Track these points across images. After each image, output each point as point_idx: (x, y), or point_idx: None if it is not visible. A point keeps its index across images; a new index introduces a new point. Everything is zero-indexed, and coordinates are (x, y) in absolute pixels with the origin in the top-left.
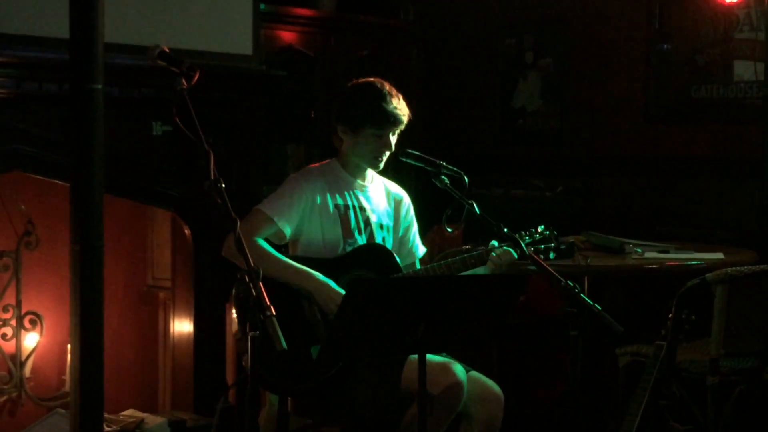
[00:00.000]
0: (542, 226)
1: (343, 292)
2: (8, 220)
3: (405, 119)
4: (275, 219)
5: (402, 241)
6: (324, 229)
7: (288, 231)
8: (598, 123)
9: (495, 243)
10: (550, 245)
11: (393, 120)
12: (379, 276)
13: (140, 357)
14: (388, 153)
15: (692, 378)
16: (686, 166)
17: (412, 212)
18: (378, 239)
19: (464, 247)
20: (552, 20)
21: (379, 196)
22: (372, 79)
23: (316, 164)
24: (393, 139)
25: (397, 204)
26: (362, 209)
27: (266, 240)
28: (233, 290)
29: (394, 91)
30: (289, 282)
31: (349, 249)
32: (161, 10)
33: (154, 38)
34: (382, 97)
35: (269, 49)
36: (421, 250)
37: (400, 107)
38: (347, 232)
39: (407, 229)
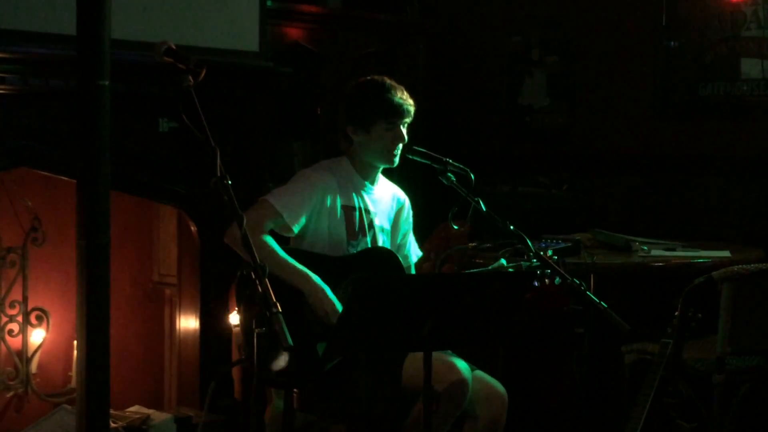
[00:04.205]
0: (550, 251)
1: (335, 299)
2: (15, 216)
3: (413, 110)
4: (284, 214)
5: (399, 245)
6: (330, 229)
7: (296, 228)
8: (604, 120)
9: (503, 262)
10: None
11: (403, 111)
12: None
13: (146, 353)
14: (401, 146)
15: (698, 376)
16: (693, 163)
17: (411, 217)
18: (380, 242)
19: (470, 244)
20: (558, 17)
21: (384, 198)
22: (370, 76)
23: (327, 161)
24: (404, 130)
25: (399, 208)
26: (367, 212)
27: (271, 232)
28: (236, 284)
29: (396, 84)
30: (285, 280)
31: (352, 250)
32: (168, 6)
33: (161, 34)
34: (387, 91)
35: (276, 45)
36: (415, 254)
37: (406, 98)
38: (352, 234)
39: (405, 234)
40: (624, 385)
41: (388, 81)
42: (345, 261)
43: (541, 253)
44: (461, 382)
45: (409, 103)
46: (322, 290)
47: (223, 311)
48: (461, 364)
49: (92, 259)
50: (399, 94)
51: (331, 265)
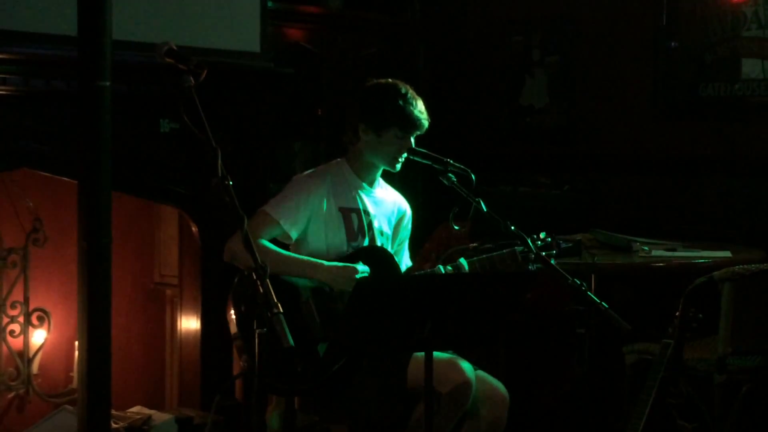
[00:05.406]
0: (543, 233)
1: (351, 264)
2: (16, 216)
3: (427, 124)
4: (281, 222)
5: (393, 252)
6: (328, 233)
7: (294, 233)
8: (605, 120)
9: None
10: (551, 252)
11: (419, 125)
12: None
13: (147, 354)
14: (406, 155)
15: (699, 376)
16: (693, 163)
17: (410, 226)
18: (378, 244)
19: (471, 245)
20: (559, 17)
21: (385, 202)
22: (391, 80)
23: (323, 165)
24: (413, 141)
25: (400, 216)
26: (366, 213)
27: (272, 240)
28: (233, 289)
29: (416, 94)
30: (296, 275)
31: (352, 251)
32: (169, 6)
33: (162, 35)
34: (408, 101)
35: (276, 46)
36: (405, 264)
37: (424, 111)
38: (351, 236)
39: (402, 242)
40: (625, 385)
41: (410, 90)
42: (341, 261)
43: (543, 254)
44: (465, 383)
45: (425, 117)
46: (336, 266)
47: (224, 311)
48: (465, 365)
49: (93, 260)
50: (419, 106)
51: None
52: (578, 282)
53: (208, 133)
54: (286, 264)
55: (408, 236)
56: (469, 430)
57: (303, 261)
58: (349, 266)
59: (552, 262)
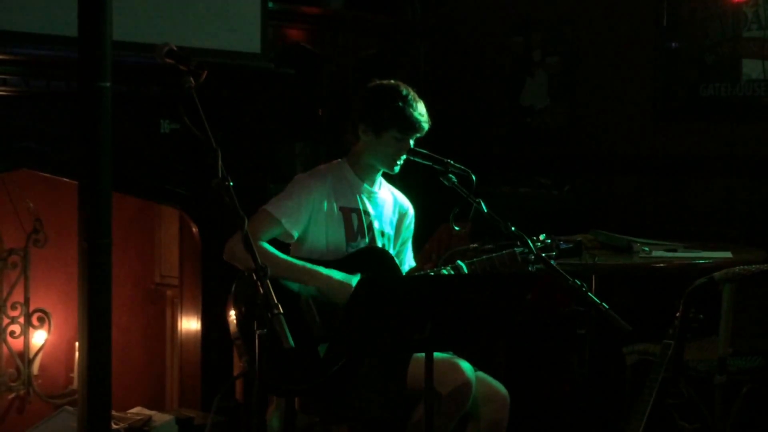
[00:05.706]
0: (543, 235)
1: (349, 278)
2: (16, 217)
3: (427, 126)
4: (282, 220)
5: (397, 253)
6: (328, 233)
7: (296, 232)
8: (605, 121)
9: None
10: (551, 254)
11: (418, 127)
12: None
13: (148, 355)
14: (404, 157)
15: (700, 377)
16: (694, 164)
17: (413, 226)
18: (378, 245)
19: (471, 245)
20: (560, 18)
21: (386, 203)
22: (394, 81)
23: (324, 165)
24: (412, 143)
25: (402, 216)
26: (367, 214)
27: (272, 241)
28: (233, 290)
29: (417, 97)
30: (294, 280)
31: (351, 252)
32: (170, 7)
33: (163, 36)
34: (409, 103)
35: (277, 47)
36: (409, 264)
37: (424, 113)
38: (350, 236)
39: (405, 242)
40: (625, 386)
41: (411, 92)
42: (341, 264)
43: (543, 255)
44: (465, 383)
45: (425, 120)
46: (332, 278)
47: (224, 312)
48: (465, 366)
49: (94, 261)
50: (419, 109)
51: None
52: (579, 283)
53: (208, 134)
54: (285, 269)
55: (411, 236)
56: (470, 431)
57: (301, 267)
58: (346, 282)
59: (552, 262)
